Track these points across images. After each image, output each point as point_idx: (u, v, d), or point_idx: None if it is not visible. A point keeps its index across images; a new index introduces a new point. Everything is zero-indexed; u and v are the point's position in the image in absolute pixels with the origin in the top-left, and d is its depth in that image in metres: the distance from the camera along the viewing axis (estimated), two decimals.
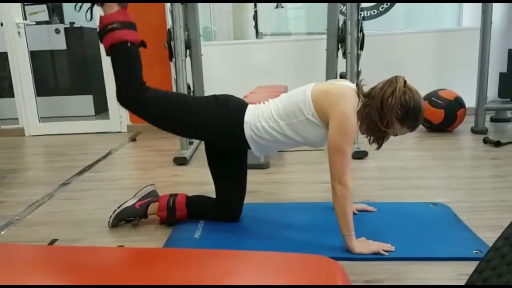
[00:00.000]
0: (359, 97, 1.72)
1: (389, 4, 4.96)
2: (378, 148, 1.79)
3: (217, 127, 1.82)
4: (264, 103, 1.89)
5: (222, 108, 1.83)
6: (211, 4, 5.20)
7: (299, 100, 1.76)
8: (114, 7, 1.88)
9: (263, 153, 1.94)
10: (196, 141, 3.56)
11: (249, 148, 1.85)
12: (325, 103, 1.70)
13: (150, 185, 2.12)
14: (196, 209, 2.03)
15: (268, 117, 1.79)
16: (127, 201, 2.05)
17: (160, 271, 1.05)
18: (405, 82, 1.69)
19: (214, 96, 1.92)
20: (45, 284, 1.05)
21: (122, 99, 1.87)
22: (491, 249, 0.85)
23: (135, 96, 1.84)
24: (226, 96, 1.92)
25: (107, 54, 1.87)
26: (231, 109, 1.84)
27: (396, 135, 1.74)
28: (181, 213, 2.00)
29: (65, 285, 1.05)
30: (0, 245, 1.71)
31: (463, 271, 1.51)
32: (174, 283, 0.99)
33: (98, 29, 1.87)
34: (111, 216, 2.04)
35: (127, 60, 1.86)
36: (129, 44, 1.83)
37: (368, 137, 1.79)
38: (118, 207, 2.04)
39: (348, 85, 1.77)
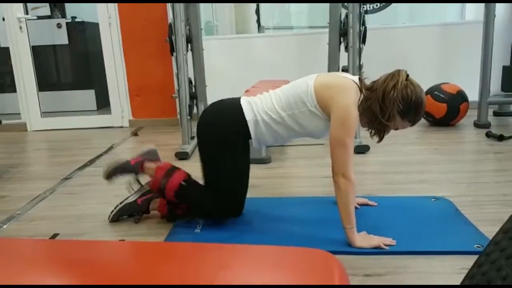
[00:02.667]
0: (361, 90, 1.72)
1: None
2: (379, 141, 1.79)
3: (233, 144, 1.85)
4: (263, 94, 1.88)
5: (224, 129, 1.84)
6: None
7: (302, 91, 1.75)
8: (151, 166, 2.00)
9: (263, 145, 1.94)
10: None
11: (251, 138, 1.85)
12: (327, 95, 1.70)
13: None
14: (185, 202, 2.01)
15: (269, 109, 1.79)
16: (128, 196, 2.06)
17: (160, 264, 1.05)
18: (407, 75, 1.68)
19: (206, 122, 1.90)
20: (48, 277, 1.05)
21: (216, 213, 1.94)
22: (491, 242, 0.84)
23: (211, 200, 1.90)
24: (217, 110, 1.91)
25: (180, 203, 1.95)
26: (231, 122, 1.84)
27: (396, 129, 1.74)
28: (182, 209, 2.00)
29: (67, 279, 1.05)
30: (2, 240, 1.71)
31: (464, 265, 1.51)
32: (174, 276, 0.99)
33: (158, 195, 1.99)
34: (112, 211, 2.04)
35: (194, 194, 1.94)
36: (184, 184, 1.89)
37: (369, 130, 1.79)
38: (120, 203, 2.05)
39: (350, 78, 1.77)
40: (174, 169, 1.96)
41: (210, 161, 1.89)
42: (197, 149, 3.31)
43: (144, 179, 2.08)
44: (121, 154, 3.45)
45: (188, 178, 1.94)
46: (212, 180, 1.91)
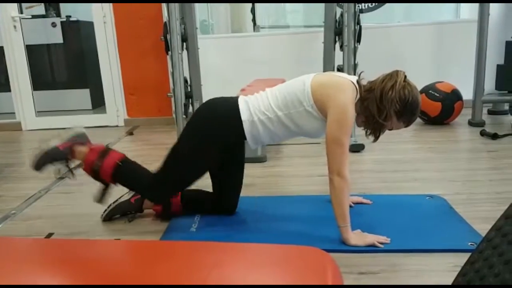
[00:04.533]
0: (358, 89, 1.72)
1: None
2: (375, 140, 1.80)
3: (219, 143, 1.83)
4: (259, 93, 1.88)
5: (214, 126, 1.82)
6: None
7: (299, 91, 1.76)
8: (82, 150, 1.89)
9: (259, 144, 1.94)
10: None
11: (245, 139, 1.85)
12: (324, 95, 1.70)
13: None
14: (191, 203, 2.03)
15: (265, 109, 1.79)
16: (122, 196, 2.06)
17: (156, 263, 1.06)
18: (405, 77, 1.70)
19: (199, 117, 1.89)
20: (43, 277, 1.05)
21: (155, 199, 1.95)
22: (483, 240, 0.85)
23: (155, 187, 1.89)
24: (210, 108, 1.88)
25: (115, 184, 1.91)
26: (224, 119, 1.82)
27: (391, 129, 1.76)
28: (177, 207, 2.00)
29: (62, 278, 1.05)
30: None
31: (458, 262, 1.52)
32: (169, 274, 0.99)
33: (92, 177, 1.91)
34: (105, 210, 2.04)
35: (131, 173, 1.92)
36: (121, 163, 1.86)
37: (365, 129, 1.80)
38: (114, 202, 2.05)
39: (346, 77, 1.78)
40: (108, 150, 1.91)
41: (183, 150, 1.86)
42: None
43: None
44: None
45: (124, 158, 1.91)
46: (171, 167, 1.88)
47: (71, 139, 1.93)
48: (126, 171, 1.90)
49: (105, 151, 1.90)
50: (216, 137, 1.82)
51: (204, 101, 3.89)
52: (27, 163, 3.35)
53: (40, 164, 1.88)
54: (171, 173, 1.88)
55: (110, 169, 1.85)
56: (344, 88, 1.71)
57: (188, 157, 1.84)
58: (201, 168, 1.88)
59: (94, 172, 1.87)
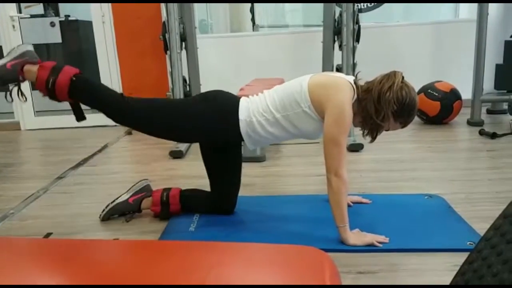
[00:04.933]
0: (355, 89, 1.72)
1: None
2: (372, 141, 1.80)
3: (211, 129, 1.81)
4: (257, 95, 1.88)
5: (213, 109, 1.81)
6: None
7: (296, 92, 1.76)
8: (32, 69, 1.78)
9: (257, 146, 1.94)
10: None
11: (243, 140, 1.85)
12: (321, 95, 1.70)
13: (144, 179, 2.11)
14: (190, 202, 2.03)
15: (264, 110, 1.79)
16: (120, 195, 2.05)
17: (154, 262, 1.05)
18: (402, 77, 1.70)
19: (203, 96, 1.89)
20: (41, 277, 1.05)
21: (114, 120, 1.86)
22: (482, 239, 0.85)
23: (121, 113, 1.82)
24: (215, 93, 1.89)
25: (74, 101, 1.82)
26: (224, 108, 1.82)
27: (388, 130, 1.76)
28: (175, 207, 2.00)
29: (61, 278, 1.05)
30: None
31: (457, 262, 1.50)
32: (168, 274, 0.99)
33: (45, 96, 1.80)
34: (103, 210, 2.04)
35: (89, 88, 1.83)
36: (74, 79, 1.75)
37: (362, 130, 1.80)
38: (112, 202, 2.04)
39: (343, 77, 1.78)
40: (61, 66, 1.78)
41: (179, 107, 1.86)
42: (191, 147, 3.33)
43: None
44: (115, 153, 3.44)
45: (79, 73, 1.79)
46: (155, 106, 1.83)
47: (18, 57, 1.77)
48: (84, 87, 1.78)
49: (58, 67, 1.76)
50: (212, 129, 1.81)
51: None
52: (25, 163, 3.35)
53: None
54: (148, 112, 1.80)
55: (66, 85, 1.73)
56: (341, 88, 1.71)
57: (182, 113, 1.80)
58: (178, 134, 1.87)
59: (49, 91, 1.75)
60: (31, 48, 1.81)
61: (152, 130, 1.87)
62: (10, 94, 1.83)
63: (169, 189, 2.02)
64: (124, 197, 2.04)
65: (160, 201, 1.99)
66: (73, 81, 1.74)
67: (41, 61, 1.80)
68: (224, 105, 1.83)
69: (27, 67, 1.77)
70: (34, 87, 4.45)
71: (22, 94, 1.84)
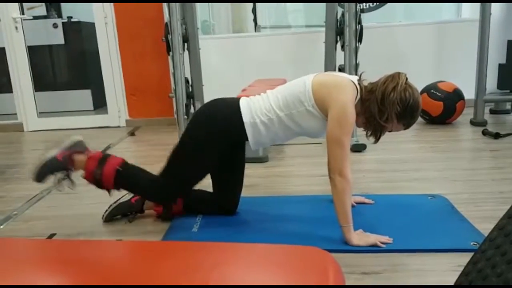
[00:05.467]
0: (359, 89, 1.72)
1: None
2: (376, 142, 1.80)
3: (222, 142, 1.84)
4: (260, 95, 1.88)
5: (217, 124, 1.82)
6: None
7: (299, 91, 1.76)
8: (80, 158, 1.87)
9: (260, 146, 1.94)
10: None
11: (247, 140, 1.85)
12: (325, 94, 1.71)
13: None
14: (192, 203, 2.03)
15: (267, 110, 1.79)
16: (123, 196, 2.05)
17: (157, 263, 1.06)
18: (406, 79, 1.70)
19: (202, 120, 1.87)
20: (45, 277, 1.05)
21: (162, 200, 1.95)
22: (486, 240, 0.85)
23: (160, 188, 1.89)
24: (212, 108, 1.88)
25: (118, 189, 1.91)
26: (227, 119, 1.82)
27: (391, 131, 1.76)
28: (178, 208, 2.00)
29: (65, 278, 1.05)
30: None
31: (460, 262, 1.51)
32: (171, 274, 0.99)
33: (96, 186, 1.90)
34: (106, 210, 2.04)
35: (133, 178, 1.90)
36: (120, 169, 1.85)
37: (366, 131, 1.80)
38: (114, 202, 2.05)
39: (347, 77, 1.78)
40: (107, 156, 1.88)
41: (186, 150, 1.86)
42: None
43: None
44: (118, 154, 3.44)
45: (123, 162, 1.89)
46: (174, 167, 1.88)
47: (68, 148, 1.89)
48: (127, 176, 1.88)
49: (104, 158, 1.87)
50: (218, 138, 1.83)
51: (205, 101, 3.91)
52: (29, 164, 3.36)
53: (40, 175, 1.85)
54: (175, 174, 1.88)
55: (111, 176, 1.84)
56: (344, 88, 1.71)
57: (191, 157, 1.84)
58: (204, 168, 1.89)
59: (96, 181, 1.86)
60: (81, 138, 1.94)
61: (189, 183, 1.91)
62: (59, 183, 1.90)
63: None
64: (127, 197, 2.03)
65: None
66: (118, 172, 1.84)
67: (89, 150, 1.92)
68: (228, 117, 1.82)
69: (76, 157, 1.87)
70: (36, 88, 4.49)
71: (72, 183, 1.91)
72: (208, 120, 1.85)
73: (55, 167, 1.85)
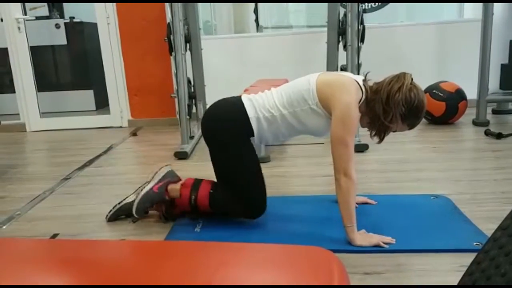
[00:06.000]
0: (363, 90, 1.72)
1: None
2: (380, 142, 1.80)
3: (241, 140, 1.85)
4: (264, 92, 1.89)
5: (229, 127, 1.84)
6: None
7: (303, 89, 1.76)
8: (174, 187, 1.96)
9: (263, 142, 1.94)
10: (196, 136, 3.56)
11: (252, 136, 1.85)
12: (329, 94, 1.71)
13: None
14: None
15: (270, 107, 1.79)
16: (127, 197, 2.06)
17: (160, 263, 1.06)
18: (412, 79, 1.70)
19: (207, 126, 1.90)
20: (48, 277, 1.05)
21: (253, 214, 1.92)
22: (490, 240, 0.85)
23: (243, 211, 1.91)
24: (219, 110, 1.89)
25: (215, 213, 1.95)
26: (234, 120, 1.83)
27: (395, 131, 1.76)
28: (180, 208, 1.99)
29: (68, 278, 1.05)
30: (1, 240, 1.71)
31: (463, 262, 1.51)
32: (174, 274, 0.99)
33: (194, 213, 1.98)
34: (110, 210, 2.05)
35: (224, 199, 1.91)
36: (212, 191, 1.90)
37: (370, 131, 1.80)
38: (119, 203, 2.05)
39: (352, 77, 1.78)
40: (198, 182, 1.95)
41: (221, 162, 1.88)
42: (196, 148, 3.34)
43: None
44: (120, 154, 3.45)
45: (213, 184, 1.94)
46: (229, 180, 1.89)
47: (162, 179, 1.99)
48: (219, 197, 1.92)
49: (196, 183, 1.94)
50: (233, 138, 1.84)
51: (207, 101, 3.91)
52: (31, 164, 3.37)
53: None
54: (238, 187, 1.88)
55: (206, 199, 1.90)
56: (348, 88, 1.71)
57: (235, 163, 1.86)
58: (250, 162, 1.88)
59: (192, 206, 1.92)
60: (171, 169, 2.03)
61: (255, 184, 1.91)
62: (161, 217, 2.02)
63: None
64: (131, 198, 2.03)
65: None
66: (212, 195, 1.90)
67: (180, 179, 2.01)
68: (233, 119, 1.84)
69: (170, 187, 1.97)
70: (39, 89, 4.50)
71: (170, 215, 2.01)
72: (217, 128, 1.85)
73: (153, 199, 1.97)
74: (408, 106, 1.66)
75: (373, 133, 1.79)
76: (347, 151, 1.66)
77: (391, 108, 1.66)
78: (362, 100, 1.71)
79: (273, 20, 5.88)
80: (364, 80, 1.77)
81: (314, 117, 1.75)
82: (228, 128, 1.83)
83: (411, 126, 1.75)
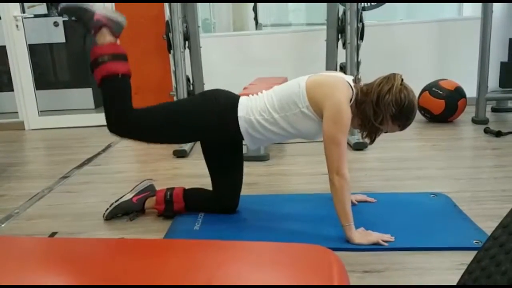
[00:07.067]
0: (354, 91, 1.72)
1: None
2: (371, 143, 1.82)
3: (210, 125, 1.82)
4: (257, 94, 1.88)
5: (213, 105, 1.82)
6: None
7: (294, 93, 1.75)
8: (107, 36, 1.88)
9: (257, 145, 1.94)
10: None
11: (243, 139, 1.85)
12: (319, 94, 1.70)
13: (148, 179, 2.12)
14: (193, 201, 2.03)
15: (262, 110, 1.78)
16: (124, 195, 2.05)
17: (160, 261, 1.05)
18: (402, 80, 1.69)
19: (202, 94, 1.93)
20: (47, 276, 1.05)
21: (114, 125, 1.89)
22: (490, 238, 0.84)
23: (125, 118, 1.89)
24: (214, 91, 1.90)
25: (98, 86, 1.90)
26: (223, 105, 1.83)
27: (386, 132, 1.76)
28: (179, 206, 2.00)
29: (66, 277, 1.05)
30: (0, 238, 1.71)
31: (463, 260, 1.51)
32: (173, 273, 0.99)
33: (90, 61, 1.90)
34: (107, 209, 2.04)
35: (118, 92, 1.91)
36: (120, 76, 1.86)
37: (361, 132, 1.81)
38: (116, 201, 2.04)
39: (341, 76, 1.77)
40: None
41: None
42: (195, 146, 3.33)
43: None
44: (119, 153, 3.45)
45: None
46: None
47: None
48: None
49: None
50: (212, 126, 1.82)
51: None
52: (30, 162, 3.36)
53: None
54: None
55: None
56: (338, 87, 1.70)
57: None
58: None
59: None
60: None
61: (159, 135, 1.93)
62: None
63: (172, 188, 2.03)
64: (128, 196, 2.04)
65: (164, 200, 1.99)
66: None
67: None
68: (224, 103, 1.84)
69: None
70: (37, 87, 4.49)
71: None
72: (208, 103, 1.85)
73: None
74: (398, 107, 1.66)
75: (364, 134, 1.80)
76: (339, 150, 1.65)
77: (381, 109, 1.66)
78: (352, 100, 1.71)
79: (272, 18, 5.87)
80: (355, 82, 1.76)
81: (305, 121, 1.74)
82: (217, 113, 1.82)
83: (402, 127, 1.74)
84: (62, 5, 1.83)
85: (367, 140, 1.81)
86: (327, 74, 1.88)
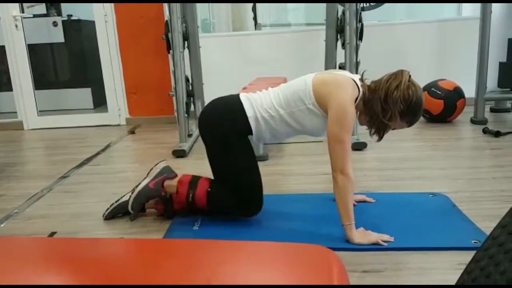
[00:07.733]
0: (361, 88, 1.72)
1: None
2: (379, 140, 1.81)
3: (233, 140, 1.84)
4: (262, 91, 1.89)
5: (230, 129, 1.83)
6: None
7: (300, 89, 1.76)
8: (172, 183, 1.96)
9: (262, 141, 1.95)
10: (195, 134, 3.56)
11: (250, 134, 1.85)
12: (325, 92, 1.71)
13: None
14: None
15: (268, 107, 1.79)
16: (124, 195, 2.05)
17: (159, 261, 1.05)
18: (409, 76, 1.70)
19: (205, 123, 1.90)
20: (46, 276, 1.05)
21: (249, 212, 1.91)
22: (489, 237, 0.85)
23: (239, 205, 1.89)
24: (218, 108, 1.89)
25: (212, 211, 1.95)
26: (232, 118, 1.83)
27: (394, 128, 1.76)
28: (178, 205, 1.98)
29: (66, 277, 1.05)
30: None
31: (462, 260, 1.51)
32: (173, 272, 0.99)
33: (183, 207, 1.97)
34: (107, 209, 2.04)
35: (221, 197, 1.91)
36: (210, 189, 1.89)
37: (369, 129, 1.80)
38: (116, 201, 2.04)
39: (348, 75, 1.78)
40: (195, 179, 1.93)
41: (219, 159, 1.89)
42: (194, 146, 3.34)
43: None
44: (118, 152, 3.45)
45: (211, 182, 1.93)
46: (227, 178, 1.90)
47: (158, 175, 1.98)
48: (217, 195, 1.91)
49: (193, 180, 1.93)
50: (231, 138, 1.83)
51: (205, 99, 3.91)
52: (29, 162, 3.36)
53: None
54: (235, 183, 1.88)
55: (204, 197, 1.89)
56: (344, 86, 1.70)
57: (230, 162, 1.86)
58: (250, 161, 1.89)
59: (188, 203, 1.91)
60: (166, 164, 2.02)
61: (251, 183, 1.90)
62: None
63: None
64: (128, 196, 2.03)
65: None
66: (209, 193, 1.89)
67: (177, 175, 1.99)
68: (232, 118, 1.84)
69: (167, 183, 1.97)
70: (36, 87, 4.48)
71: (169, 212, 2.00)
72: (215, 125, 1.85)
73: (149, 195, 1.98)
74: (406, 104, 1.66)
75: (373, 131, 1.79)
76: (344, 149, 1.66)
77: (390, 106, 1.66)
78: (358, 98, 1.71)
79: (272, 18, 5.87)
80: (361, 79, 1.76)
81: (311, 117, 1.75)
82: (226, 126, 1.83)
83: (410, 123, 1.75)
84: (130, 209, 1.98)
85: (375, 137, 1.81)
86: (334, 72, 1.89)
